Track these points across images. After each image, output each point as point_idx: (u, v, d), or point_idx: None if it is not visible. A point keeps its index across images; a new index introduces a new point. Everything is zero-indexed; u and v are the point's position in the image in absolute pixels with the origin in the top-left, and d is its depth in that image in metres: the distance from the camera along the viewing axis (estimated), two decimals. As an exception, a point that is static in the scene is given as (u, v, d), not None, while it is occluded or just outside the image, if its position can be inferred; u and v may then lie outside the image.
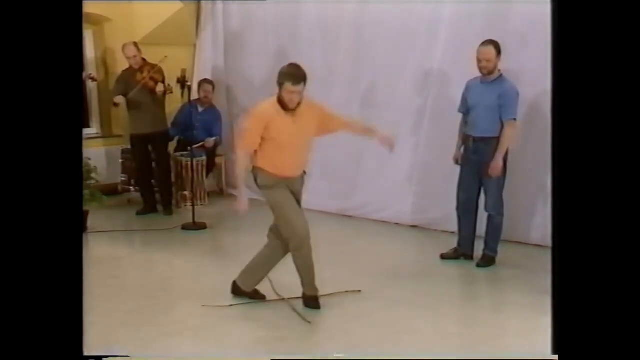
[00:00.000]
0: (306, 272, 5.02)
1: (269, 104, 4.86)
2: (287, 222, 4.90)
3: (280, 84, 4.77)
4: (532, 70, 6.07)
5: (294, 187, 4.97)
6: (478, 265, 6.00)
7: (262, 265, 5.14)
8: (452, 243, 6.26)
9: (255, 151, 4.90)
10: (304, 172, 5.08)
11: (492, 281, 5.79)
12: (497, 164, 5.74)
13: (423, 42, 7.15)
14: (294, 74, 4.75)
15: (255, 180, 4.99)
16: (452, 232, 6.47)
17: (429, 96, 7.13)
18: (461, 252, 6.18)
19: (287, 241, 4.96)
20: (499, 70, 5.81)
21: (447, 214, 6.58)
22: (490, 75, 5.80)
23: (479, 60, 5.76)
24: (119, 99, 7.83)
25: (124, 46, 7.86)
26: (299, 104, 4.81)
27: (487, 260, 6.01)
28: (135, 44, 7.87)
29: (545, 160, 5.45)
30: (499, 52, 5.73)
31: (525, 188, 6.41)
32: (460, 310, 5.27)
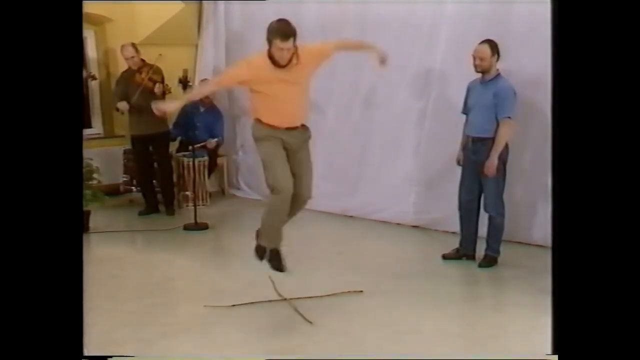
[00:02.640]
0: (267, 224, 4.91)
1: (260, 59, 4.70)
2: (270, 174, 4.78)
3: (269, 41, 4.60)
4: (533, 70, 6.07)
5: (289, 140, 4.81)
6: (480, 266, 6.00)
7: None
8: (454, 243, 6.26)
9: (252, 105, 4.82)
10: (303, 125, 4.90)
11: (494, 281, 5.79)
12: (491, 163, 5.74)
13: (424, 43, 7.15)
14: (282, 30, 4.58)
15: (252, 131, 4.91)
16: (454, 233, 6.47)
17: (430, 96, 7.13)
18: (463, 253, 6.17)
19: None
20: (497, 70, 5.81)
21: (448, 214, 6.58)
22: (487, 75, 5.80)
23: (473, 59, 5.77)
24: (123, 106, 7.82)
25: (122, 47, 7.87)
26: (290, 60, 4.66)
27: (489, 261, 6.00)
28: (133, 45, 7.87)
29: (545, 160, 5.45)
30: (496, 51, 5.73)
31: (526, 188, 6.40)
32: (461, 310, 5.26)
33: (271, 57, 4.64)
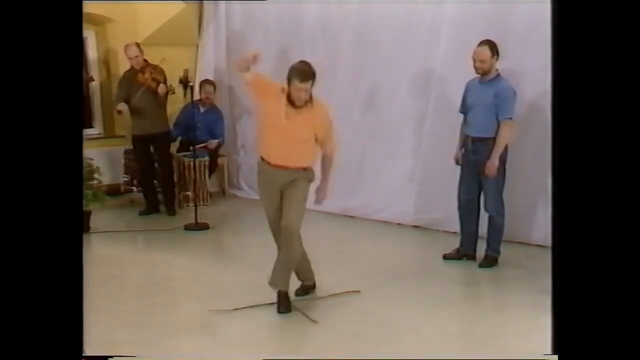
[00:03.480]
0: (275, 266, 5.01)
1: (281, 89, 4.84)
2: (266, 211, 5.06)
3: (289, 80, 4.75)
4: (533, 70, 6.07)
5: (277, 179, 4.91)
6: (480, 266, 6.00)
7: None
8: (455, 243, 6.26)
9: (258, 141, 4.95)
10: (306, 169, 4.98)
11: (494, 281, 5.79)
12: (492, 163, 5.74)
13: (424, 43, 7.15)
14: (302, 71, 4.73)
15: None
16: (454, 232, 6.47)
17: (430, 96, 7.13)
18: (463, 252, 6.17)
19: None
20: (497, 70, 5.81)
21: (449, 214, 6.58)
22: (486, 75, 5.80)
23: (474, 61, 5.77)
24: (122, 107, 7.82)
25: (126, 46, 7.87)
26: (306, 102, 4.80)
27: (490, 261, 6.00)
28: (137, 45, 7.88)
29: (545, 160, 5.45)
30: (495, 52, 5.73)
31: (527, 188, 6.40)
32: (461, 310, 5.26)
33: (288, 97, 4.79)
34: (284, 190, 4.94)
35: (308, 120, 4.84)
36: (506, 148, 5.82)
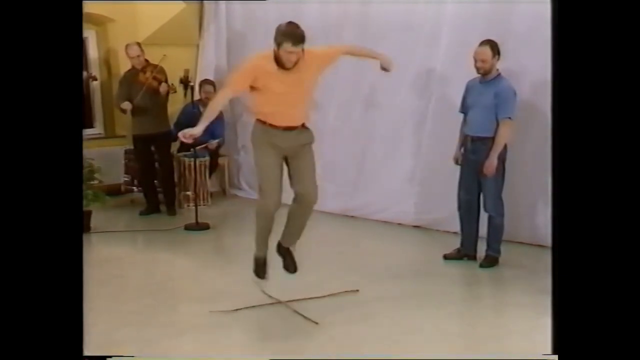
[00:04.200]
0: (256, 226, 4.97)
1: (264, 58, 4.67)
2: (260, 186, 4.85)
3: (279, 43, 4.55)
4: (533, 70, 6.07)
5: (287, 144, 4.78)
6: (481, 266, 5.99)
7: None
8: (455, 243, 6.26)
9: (252, 105, 4.82)
10: (304, 126, 4.88)
11: (494, 281, 5.79)
12: (491, 163, 5.74)
13: (425, 43, 7.15)
14: (294, 34, 4.55)
15: (252, 132, 4.92)
16: (455, 233, 6.47)
17: (431, 96, 7.13)
18: (464, 253, 6.17)
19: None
20: (497, 70, 5.80)
21: (449, 214, 6.58)
22: (487, 75, 5.80)
23: (475, 60, 5.77)
24: (127, 105, 7.81)
25: (127, 46, 7.88)
26: (296, 62, 4.64)
27: (490, 261, 6.00)
28: (139, 44, 7.89)
29: (545, 160, 5.45)
30: (496, 52, 5.73)
31: (527, 188, 6.40)
32: (461, 310, 5.25)
33: (277, 59, 4.61)
34: (292, 156, 4.84)
35: (301, 78, 4.70)
36: (505, 148, 5.82)
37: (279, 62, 4.61)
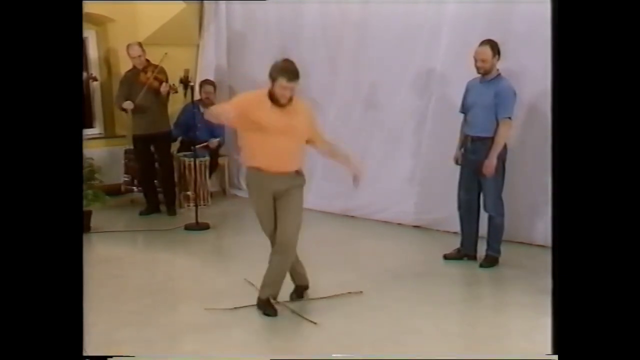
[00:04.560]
0: (268, 275, 4.95)
1: (258, 95, 4.75)
2: (262, 226, 4.95)
3: (274, 79, 4.66)
4: (533, 70, 6.08)
5: (276, 186, 4.80)
6: (481, 266, 5.99)
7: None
8: (455, 243, 6.26)
9: (244, 149, 4.87)
10: (298, 172, 4.89)
11: (494, 281, 5.79)
12: (490, 162, 5.74)
13: (425, 43, 7.15)
14: (289, 70, 4.65)
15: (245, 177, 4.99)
16: (455, 233, 6.47)
17: (431, 96, 7.13)
18: (464, 253, 6.17)
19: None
20: (497, 70, 5.80)
21: (449, 214, 6.58)
22: (487, 75, 5.80)
23: (475, 60, 5.77)
24: (128, 105, 7.81)
25: (128, 46, 7.88)
26: (290, 99, 4.71)
27: (490, 261, 6.00)
28: (140, 44, 7.89)
29: (545, 160, 5.45)
30: (496, 52, 5.73)
31: (527, 188, 6.40)
32: (462, 310, 5.26)
33: (271, 96, 4.69)
34: (278, 199, 4.85)
35: (294, 117, 4.75)
36: (505, 147, 5.82)
37: (273, 98, 4.69)
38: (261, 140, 4.73)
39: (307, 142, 4.94)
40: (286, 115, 4.72)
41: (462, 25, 6.75)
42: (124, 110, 7.92)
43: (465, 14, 6.77)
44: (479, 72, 5.83)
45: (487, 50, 5.72)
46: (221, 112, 4.70)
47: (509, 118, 5.75)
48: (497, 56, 5.75)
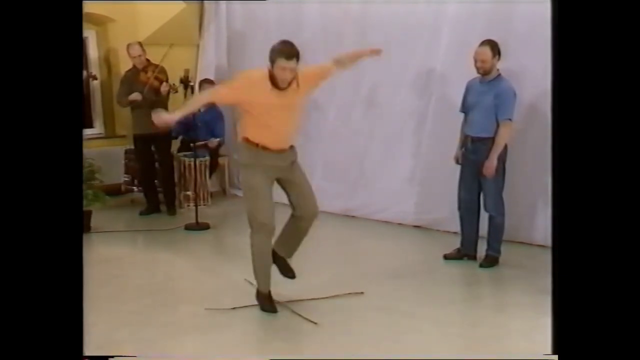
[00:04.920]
0: (255, 266, 4.97)
1: (260, 76, 4.68)
2: (252, 207, 4.82)
3: (273, 61, 4.59)
4: (533, 70, 6.08)
5: (279, 164, 4.80)
6: (481, 266, 5.99)
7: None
8: (455, 243, 6.25)
9: (240, 124, 4.88)
10: (292, 147, 4.90)
11: (495, 281, 5.79)
12: (490, 163, 5.74)
13: (425, 43, 7.15)
14: (286, 50, 4.59)
15: (239, 154, 4.96)
16: (455, 233, 6.46)
17: (431, 96, 7.13)
18: (464, 252, 6.17)
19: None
20: (498, 70, 5.80)
21: (450, 214, 6.58)
22: (487, 76, 5.80)
23: (475, 61, 5.77)
24: (136, 96, 7.78)
25: (129, 45, 7.89)
26: (290, 83, 4.67)
27: (490, 261, 6.00)
28: (140, 44, 7.90)
29: (545, 160, 5.44)
30: (497, 52, 5.73)
31: (527, 188, 6.40)
32: (462, 310, 5.25)
33: (272, 78, 4.64)
34: (284, 176, 4.87)
35: (294, 102, 4.76)
36: (506, 148, 5.82)
37: (273, 81, 4.64)
38: (263, 120, 4.70)
39: (321, 83, 5.02)
40: (288, 96, 4.69)
41: (462, 25, 6.75)
42: (130, 103, 7.90)
43: (465, 14, 6.77)
44: (478, 73, 5.83)
45: (487, 51, 5.72)
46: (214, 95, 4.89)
47: (510, 119, 5.75)
48: (497, 56, 5.74)
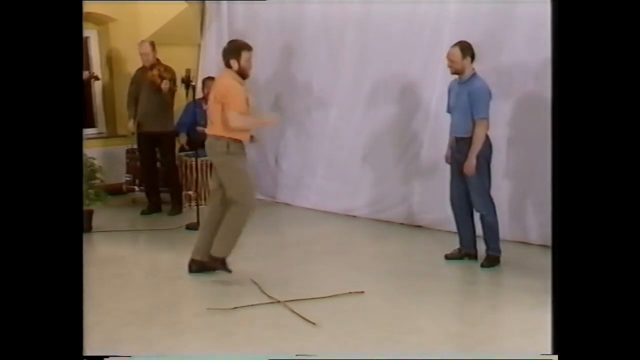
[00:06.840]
0: (229, 233, 5.46)
1: (232, 78, 5.37)
2: (244, 189, 5.47)
3: (237, 56, 5.33)
4: (533, 69, 6.07)
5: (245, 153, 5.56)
6: (482, 266, 5.98)
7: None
8: (457, 243, 6.25)
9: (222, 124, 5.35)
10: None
11: (495, 281, 5.78)
12: (469, 162, 5.75)
13: (427, 42, 7.15)
14: (243, 44, 5.41)
15: (227, 148, 5.39)
16: (456, 233, 6.46)
17: (432, 96, 7.13)
18: (465, 252, 6.17)
19: (231, 203, 5.46)
20: (473, 70, 5.81)
21: (450, 215, 6.55)
22: (462, 76, 5.83)
23: (447, 60, 5.81)
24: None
25: (140, 43, 7.97)
26: None
27: (491, 261, 5.98)
28: (152, 43, 7.94)
29: (546, 160, 5.44)
30: (468, 53, 5.75)
31: (527, 188, 6.40)
32: (462, 310, 5.26)
33: (241, 72, 5.38)
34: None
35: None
36: (490, 146, 5.82)
37: (243, 74, 5.37)
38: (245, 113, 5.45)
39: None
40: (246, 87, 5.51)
41: (463, 25, 6.75)
42: (128, 106, 8.00)
43: (466, 14, 6.77)
44: (451, 72, 5.89)
45: (457, 52, 5.77)
46: (257, 124, 5.86)
47: (484, 118, 5.74)
48: (468, 58, 5.76)
